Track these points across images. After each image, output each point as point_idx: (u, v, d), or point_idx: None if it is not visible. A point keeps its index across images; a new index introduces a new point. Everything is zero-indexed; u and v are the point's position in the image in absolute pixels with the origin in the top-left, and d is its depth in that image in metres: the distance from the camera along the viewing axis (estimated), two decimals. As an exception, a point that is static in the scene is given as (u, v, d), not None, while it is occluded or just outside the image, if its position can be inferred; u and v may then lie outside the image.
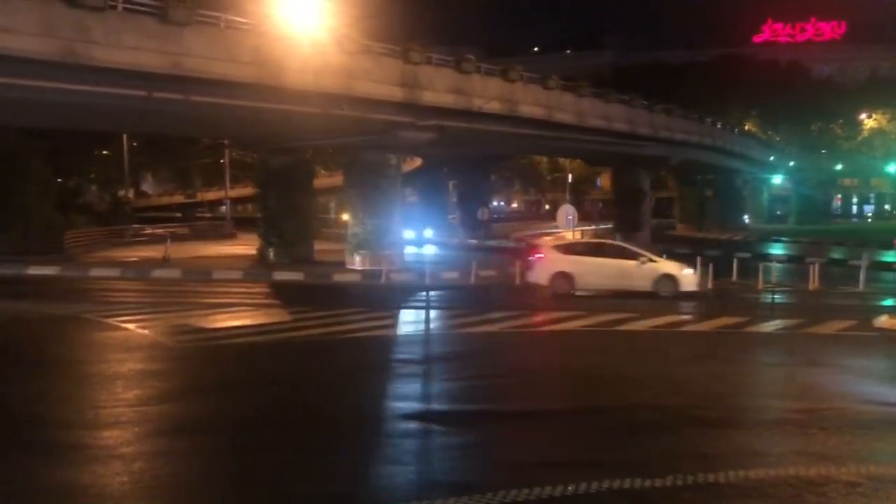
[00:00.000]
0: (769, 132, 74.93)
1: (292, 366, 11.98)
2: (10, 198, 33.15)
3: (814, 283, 22.96)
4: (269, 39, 22.38)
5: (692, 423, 8.70)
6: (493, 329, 15.38)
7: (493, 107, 29.12)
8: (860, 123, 74.75)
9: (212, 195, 72.14)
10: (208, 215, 70.26)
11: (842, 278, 24.54)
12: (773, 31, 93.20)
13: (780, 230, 59.56)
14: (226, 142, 48.63)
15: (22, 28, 17.55)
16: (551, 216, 45.85)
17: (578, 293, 20.49)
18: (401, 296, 21.57)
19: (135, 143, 53.85)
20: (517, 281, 24.07)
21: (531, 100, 31.47)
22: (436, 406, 9.61)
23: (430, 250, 36.72)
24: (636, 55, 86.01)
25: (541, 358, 13.09)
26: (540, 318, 16.80)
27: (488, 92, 29.11)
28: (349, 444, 7.77)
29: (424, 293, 21.82)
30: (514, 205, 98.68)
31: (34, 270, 26.35)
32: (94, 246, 38.02)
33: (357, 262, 28.01)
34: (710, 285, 21.93)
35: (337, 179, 44.56)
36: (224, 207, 64.03)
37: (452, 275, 25.61)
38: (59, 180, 47.50)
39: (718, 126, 52.75)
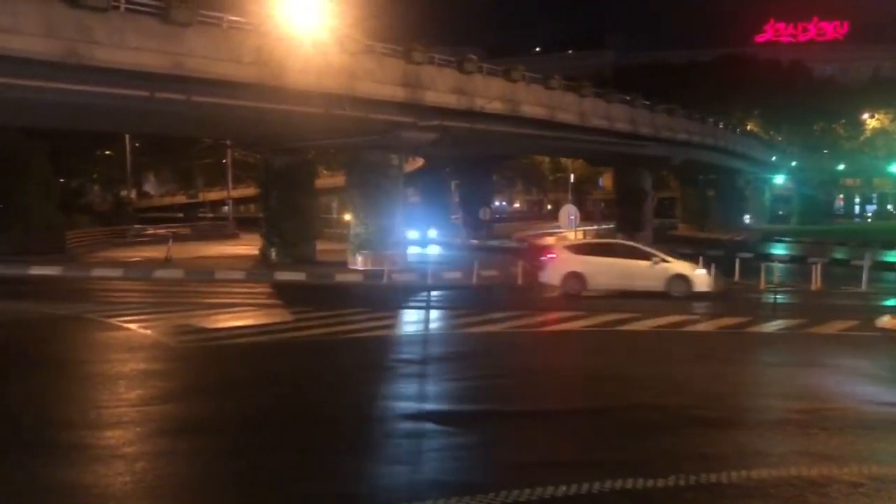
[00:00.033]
0: (771, 132, 74.88)
1: (294, 366, 11.98)
2: (12, 198, 33.22)
3: (816, 283, 22.92)
4: (272, 40, 22.40)
5: (694, 423, 8.70)
6: (495, 329, 15.37)
7: (496, 107, 29.13)
8: (862, 123, 74.68)
9: (214, 195, 72.20)
10: (210, 215, 70.33)
11: (844, 278, 24.51)
12: (775, 31, 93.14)
13: (782, 230, 59.52)
14: (228, 142, 48.70)
15: (24, 28, 17.58)
16: (553, 216, 45.81)
17: (590, 293, 20.34)
18: (403, 296, 21.58)
19: (137, 144, 53.93)
20: (519, 281, 24.09)
21: (533, 100, 31.48)
22: (438, 406, 9.60)
23: (434, 250, 36.74)
24: (638, 55, 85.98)
25: (542, 358, 13.07)
26: (542, 318, 16.78)
27: (490, 92, 29.12)
28: (351, 444, 7.77)
29: (426, 293, 21.87)
30: (517, 205, 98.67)
31: (36, 270, 26.38)
32: (96, 246, 38.08)
33: (359, 262, 28.02)
34: (723, 285, 21.62)
35: (339, 179, 44.54)
36: (226, 208, 64.10)
37: (454, 275, 25.61)
38: (62, 180, 47.55)
39: (720, 126, 52.73)
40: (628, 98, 38.91)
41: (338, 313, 17.06)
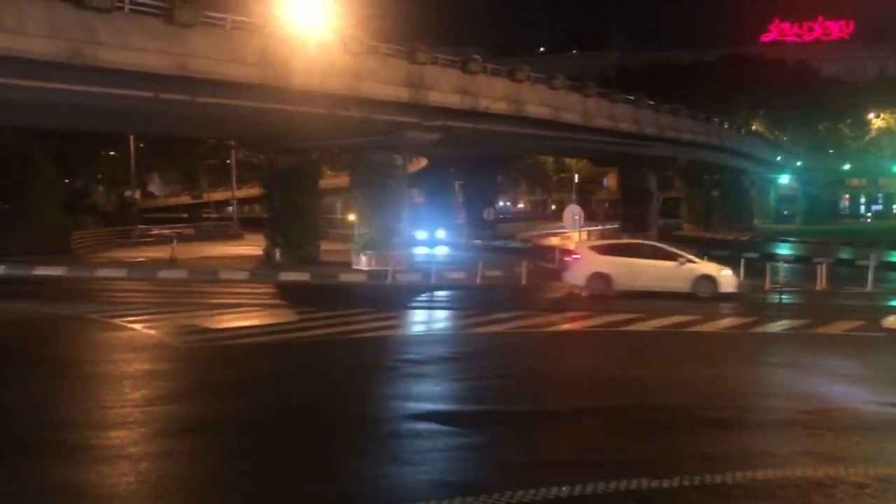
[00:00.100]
0: (776, 132, 74.72)
1: (299, 366, 11.99)
2: (17, 198, 33.28)
3: (821, 283, 22.85)
4: (275, 40, 22.40)
5: (698, 423, 8.68)
6: (499, 329, 15.37)
7: (500, 107, 29.11)
8: (868, 123, 74.50)
9: (218, 196, 72.29)
10: (214, 216, 70.38)
11: (849, 278, 24.43)
12: (780, 31, 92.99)
13: (788, 230, 59.35)
14: (232, 143, 48.70)
15: (29, 29, 17.61)
16: (557, 216, 45.86)
17: (616, 294, 20.07)
18: (407, 296, 21.57)
19: (141, 144, 54.03)
20: (523, 281, 24.07)
21: (537, 100, 31.44)
22: (441, 406, 9.59)
23: (441, 251, 36.77)
24: (642, 55, 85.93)
25: (546, 358, 13.06)
26: (546, 318, 16.73)
27: (494, 92, 29.10)
28: (355, 445, 7.77)
29: (430, 294, 21.89)
30: (521, 205, 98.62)
31: (41, 271, 26.44)
32: (100, 246, 38.12)
33: (363, 262, 28.02)
34: (748, 286, 21.35)
35: (343, 180, 44.55)
36: (230, 208, 64.16)
37: (458, 275, 25.60)
38: (66, 181, 47.68)
39: (725, 126, 52.61)
40: (632, 98, 38.84)
41: (342, 313, 17.06)
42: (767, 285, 22.26)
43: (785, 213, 76.37)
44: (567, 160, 73.28)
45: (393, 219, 28.37)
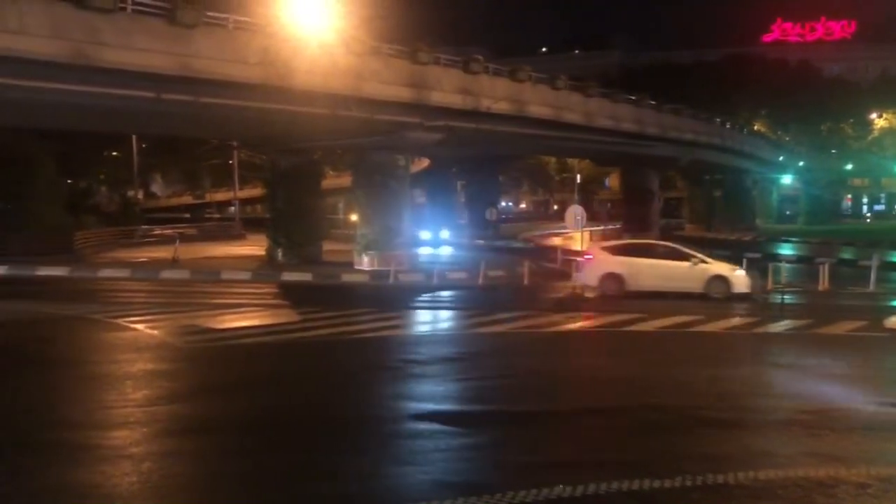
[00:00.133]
0: (779, 132, 74.64)
1: (301, 366, 12.00)
2: (20, 199, 33.32)
3: (824, 283, 22.83)
4: (278, 40, 22.42)
5: (701, 423, 8.67)
6: (501, 329, 15.37)
7: (502, 107, 29.11)
8: (870, 123, 74.38)
9: (221, 196, 72.35)
10: (217, 216, 70.44)
11: (852, 279, 24.40)
12: (782, 31, 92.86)
13: (790, 230, 59.29)
14: (234, 143, 48.76)
15: (31, 29, 17.63)
16: (560, 216, 45.83)
17: (629, 294, 19.98)
18: (409, 296, 21.57)
19: (144, 145, 54.05)
20: (525, 281, 24.07)
21: (539, 100, 31.44)
22: (443, 406, 9.59)
23: (445, 251, 36.79)
24: (645, 55, 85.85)
25: (548, 358, 13.04)
26: (548, 318, 16.74)
27: (496, 92, 29.11)
28: (358, 445, 7.78)
29: (432, 294, 21.90)
30: (523, 205, 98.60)
31: (43, 271, 26.47)
32: (103, 247, 38.16)
33: (365, 262, 28.03)
34: (760, 287, 21.04)
35: (345, 180, 44.57)
36: (233, 208, 64.20)
37: (461, 275, 25.61)
38: (69, 181, 47.73)
39: (727, 126, 52.57)
40: (634, 98, 38.83)
41: (344, 314, 17.07)
42: (770, 285, 22.24)
43: (787, 213, 76.29)
44: (569, 160, 73.29)
45: (395, 219, 28.38)
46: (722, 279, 19.90)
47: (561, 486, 6.24)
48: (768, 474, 6.72)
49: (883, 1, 79.87)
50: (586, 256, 21.53)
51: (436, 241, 40.23)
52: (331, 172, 57.92)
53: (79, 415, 8.97)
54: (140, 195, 60.34)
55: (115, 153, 58.82)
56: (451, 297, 22.11)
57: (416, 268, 27.09)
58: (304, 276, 25.54)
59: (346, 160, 43.67)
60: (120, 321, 15.57)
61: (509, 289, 23.56)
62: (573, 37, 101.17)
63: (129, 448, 7.58)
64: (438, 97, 26.84)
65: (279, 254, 30.80)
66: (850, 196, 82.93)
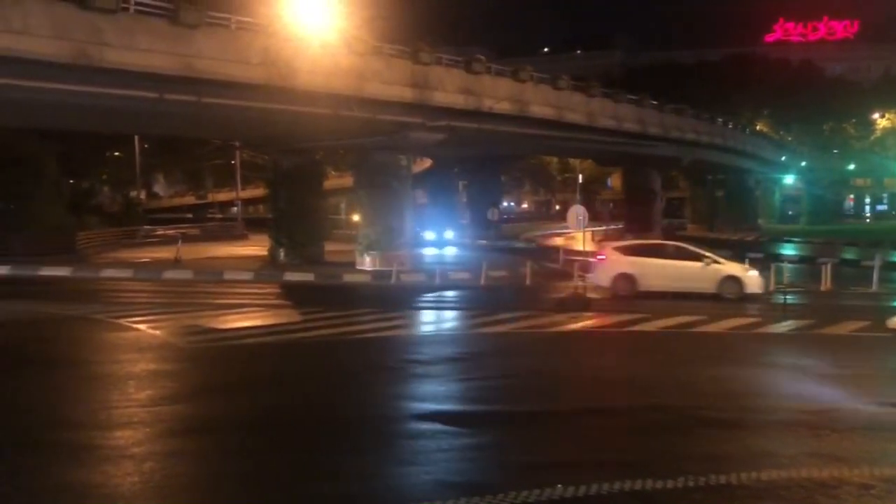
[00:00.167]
0: (781, 132, 74.55)
1: (303, 366, 12.00)
2: (22, 199, 33.35)
3: (826, 283, 22.80)
4: (280, 40, 22.44)
5: (703, 424, 8.67)
6: (504, 329, 15.37)
7: (504, 107, 29.10)
8: (873, 123, 74.26)
9: (223, 196, 72.40)
10: (219, 216, 70.52)
11: (854, 279, 24.37)
12: (784, 31, 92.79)
13: (792, 230, 59.22)
14: (236, 143, 48.80)
15: (34, 30, 17.64)
16: (562, 216, 45.77)
17: (641, 294, 19.95)
18: (411, 296, 21.58)
19: (146, 145, 54.09)
20: (528, 281, 24.06)
21: (541, 100, 31.43)
22: (446, 406, 9.59)
23: (450, 251, 36.80)
24: (647, 55, 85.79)
25: (550, 359, 13.03)
26: (550, 318, 16.73)
27: (498, 92, 29.10)
28: (359, 445, 7.78)
29: (434, 294, 21.89)
30: (525, 205, 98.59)
31: (46, 271, 26.51)
32: (105, 247, 38.22)
33: (367, 262, 28.04)
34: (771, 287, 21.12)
35: (347, 180, 44.69)
36: (235, 208, 64.24)
37: (463, 275, 25.60)
38: (72, 181, 47.78)
39: (730, 126, 52.50)
40: (636, 98, 38.79)
41: (346, 314, 17.08)
42: (772, 285, 22.21)
43: (789, 213, 76.22)
44: (571, 160, 73.29)
45: (397, 219, 28.38)
46: (735, 279, 19.86)
47: (563, 487, 6.23)
48: (771, 475, 6.71)
49: (885, 1, 79.74)
50: (599, 257, 21.48)
51: (440, 241, 40.27)
52: (333, 172, 57.95)
53: (81, 415, 8.97)
54: (142, 195, 60.43)
55: (117, 153, 58.89)
56: (453, 297, 22.10)
57: (418, 268, 27.09)
58: (306, 277, 25.55)
59: (348, 160, 43.69)
60: (122, 321, 15.59)
61: (511, 289, 23.56)
62: (575, 37, 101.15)
63: (131, 448, 7.58)
64: (440, 97, 26.84)
65: (281, 254, 30.82)
66: (852, 196, 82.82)
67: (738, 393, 10.27)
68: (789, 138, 75.10)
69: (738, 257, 23.11)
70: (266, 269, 28.36)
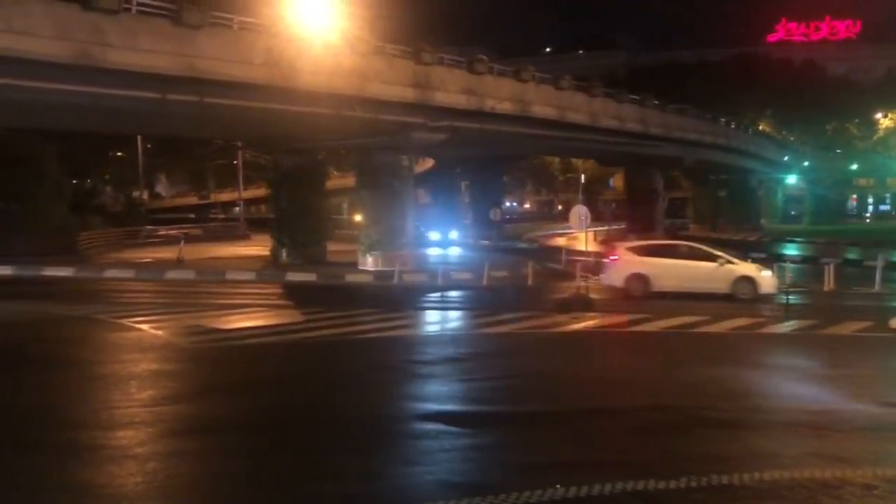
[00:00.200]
0: (783, 132, 74.46)
1: (305, 366, 12.01)
2: (25, 199, 33.38)
3: (829, 283, 22.76)
4: (282, 41, 22.45)
5: (706, 424, 8.66)
6: (506, 330, 15.37)
7: (506, 107, 29.09)
8: (876, 123, 74.15)
9: (225, 196, 72.43)
10: (221, 216, 70.55)
11: (857, 279, 24.34)
12: (787, 31, 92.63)
13: (795, 230, 59.17)
14: (239, 143, 48.85)
15: (36, 30, 17.65)
16: (564, 217, 45.76)
17: (654, 295, 19.86)
18: (413, 297, 21.58)
19: (149, 145, 54.16)
20: (530, 282, 24.05)
21: (543, 100, 31.43)
22: (448, 407, 9.59)
23: (454, 252, 36.81)
24: (649, 55, 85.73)
25: (552, 359, 13.03)
26: (552, 319, 16.72)
27: (501, 92, 29.09)
28: (361, 445, 7.78)
29: (437, 294, 21.89)
30: (527, 205, 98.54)
31: (49, 271, 26.53)
32: (108, 247, 38.24)
33: (370, 262, 28.05)
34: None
35: (349, 180, 44.63)
36: (237, 208, 64.27)
37: (465, 275, 25.59)
38: (74, 181, 47.81)
39: (732, 126, 52.47)
40: (639, 98, 38.78)
41: (348, 314, 17.08)
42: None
43: (792, 213, 76.13)
44: (573, 160, 73.21)
45: (399, 219, 28.38)
46: (749, 280, 19.79)
47: (565, 487, 6.23)
48: (773, 475, 6.70)
49: (888, 0, 79.60)
50: (612, 257, 21.37)
51: (445, 241, 40.31)
52: (335, 173, 57.82)
53: (83, 415, 8.99)
54: (145, 195, 60.54)
55: (119, 153, 58.98)
56: (455, 297, 22.10)
57: (420, 268, 27.09)
58: (308, 277, 25.55)
59: (351, 160, 43.66)
60: (125, 321, 15.61)
61: (513, 289, 23.54)
62: (577, 37, 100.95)
63: (133, 448, 7.59)
64: (442, 97, 26.84)
65: (283, 254, 30.83)
66: (855, 196, 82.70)
67: (740, 393, 10.26)
68: (792, 138, 75.00)
69: (741, 257, 23.08)
70: (268, 269, 28.37)
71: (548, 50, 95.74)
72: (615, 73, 76.24)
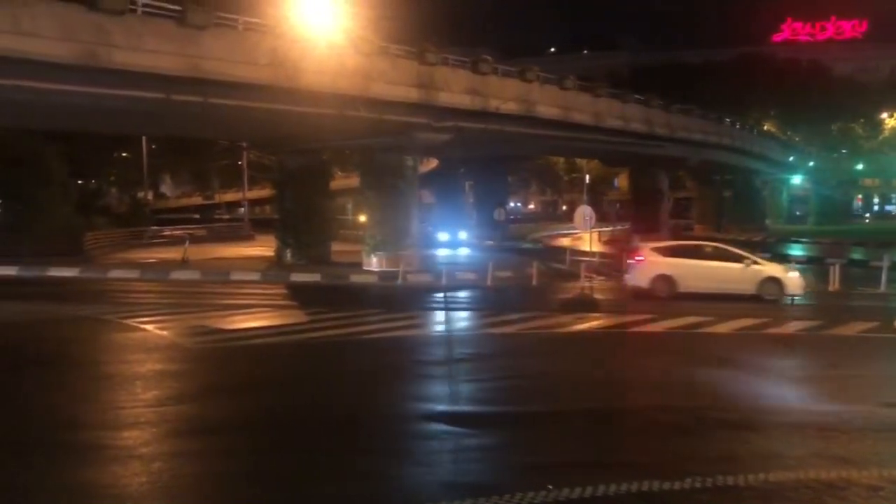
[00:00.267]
0: (789, 132, 74.29)
1: (309, 367, 12.02)
2: (30, 200, 33.51)
3: (834, 284, 22.72)
4: (286, 41, 22.47)
5: (710, 425, 8.64)
6: (510, 330, 15.36)
7: (510, 108, 29.08)
8: (881, 123, 73.94)
9: (230, 197, 72.55)
10: (226, 217, 70.63)
11: (862, 279, 24.28)
12: (792, 30, 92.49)
13: (800, 231, 59.04)
14: (243, 144, 48.90)
15: (42, 31, 17.70)
16: (568, 217, 45.74)
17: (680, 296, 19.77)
18: (418, 297, 21.57)
19: (153, 146, 54.28)
20: (534, 282, 24.04)
21: (548, 100, 31.40)
22: (453, 407, 9.58)
23: (464, 252, 36.80)
24: (654, 55, 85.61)
25: (556, 359, 13.02)
26: (557, 319, 16.72)
27: (505, 93, 29.07)
28: (366, 445, 7.79)
29: (441, 294, 21.87)
30: (531, 206, 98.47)
31: (54, 272, 26.59)
32: (113, 247, 38.32)
33: (374, 263, 28.07)
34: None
35: (354, 181, 44.61)
36: (242, 209, 64.37)
37: (470, 276, 25.59)
38: (79, 182, 47.96)
39: (737, 126, 52.37)
40: (643, 98, 38.72)
41: (353, 314, 17.09)
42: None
43: (797, 213, 75.92)
44: (578, 160, 73.06)
45: (403, 219, 28.40)
46: (775, 281, 19.69)
47: (570, 488, 6.22)
48: (778, 476, 6.69)
49: (894, 0, 79.37)
50: (637, 258, 21.24)
51: (454, 242, 40.32)
52: (339, 173, 57.98)
53: (89, 415, 9.01)
54: (150, 196, 60.63)
55: (124, 154, 59.12)
56: (460, 297, 22.10)
57: (425, 268, 27.09)
58: (312, 277, 25.57)
59: (355, 161, 43.74)
60: (130, 322, 15.64)
61: (518, 289, 23.54)
62: (581, 37, 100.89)
63: (139, 448, 7.61)
64: (446, 98, 26.83)
65: (288, 254, 30.86)
66: (860, 196, 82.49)
67: (745, 394, 10.25)
68: (797, 138, 74.80)
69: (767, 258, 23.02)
70: (272, 269, 28.40)
71: (552, 50, 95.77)
72: (619, 74, 76.14)
